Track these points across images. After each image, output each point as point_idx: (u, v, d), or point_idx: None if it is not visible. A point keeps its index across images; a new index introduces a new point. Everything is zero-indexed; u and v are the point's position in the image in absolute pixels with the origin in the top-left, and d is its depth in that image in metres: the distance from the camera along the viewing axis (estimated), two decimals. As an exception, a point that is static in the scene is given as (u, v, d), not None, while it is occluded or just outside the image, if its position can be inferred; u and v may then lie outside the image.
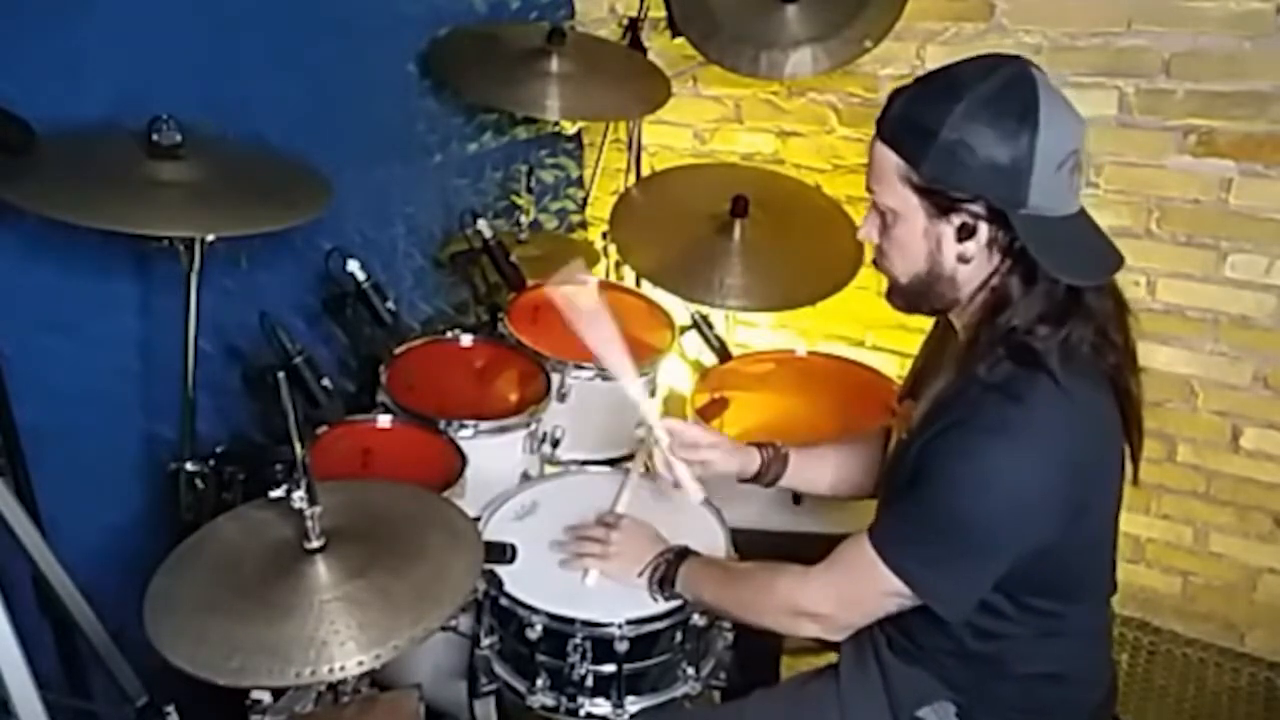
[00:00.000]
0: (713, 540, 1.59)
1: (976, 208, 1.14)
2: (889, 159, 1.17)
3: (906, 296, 1.27)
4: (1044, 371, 1.13)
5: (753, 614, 1.38)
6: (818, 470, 1.61)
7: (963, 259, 1.18)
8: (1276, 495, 2.26)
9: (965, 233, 1.16)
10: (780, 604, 1.34)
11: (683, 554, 1.48)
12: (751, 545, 1.59)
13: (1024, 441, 1.12)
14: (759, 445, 1.59)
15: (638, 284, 2.41)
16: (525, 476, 1.88)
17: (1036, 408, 1.13)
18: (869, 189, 1.23)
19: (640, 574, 1.48)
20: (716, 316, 2.33)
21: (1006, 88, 1.11)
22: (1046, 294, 1.15)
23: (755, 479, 1.58)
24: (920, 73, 1.20)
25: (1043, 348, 1.14)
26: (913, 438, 1.24)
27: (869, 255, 2.26)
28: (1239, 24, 2.01)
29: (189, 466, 1.69)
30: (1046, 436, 1.13)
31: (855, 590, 1.27)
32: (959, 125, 1.10)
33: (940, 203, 1.15)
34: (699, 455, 1.52)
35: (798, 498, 1.78)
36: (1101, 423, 1.20)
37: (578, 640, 1.42)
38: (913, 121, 1.14)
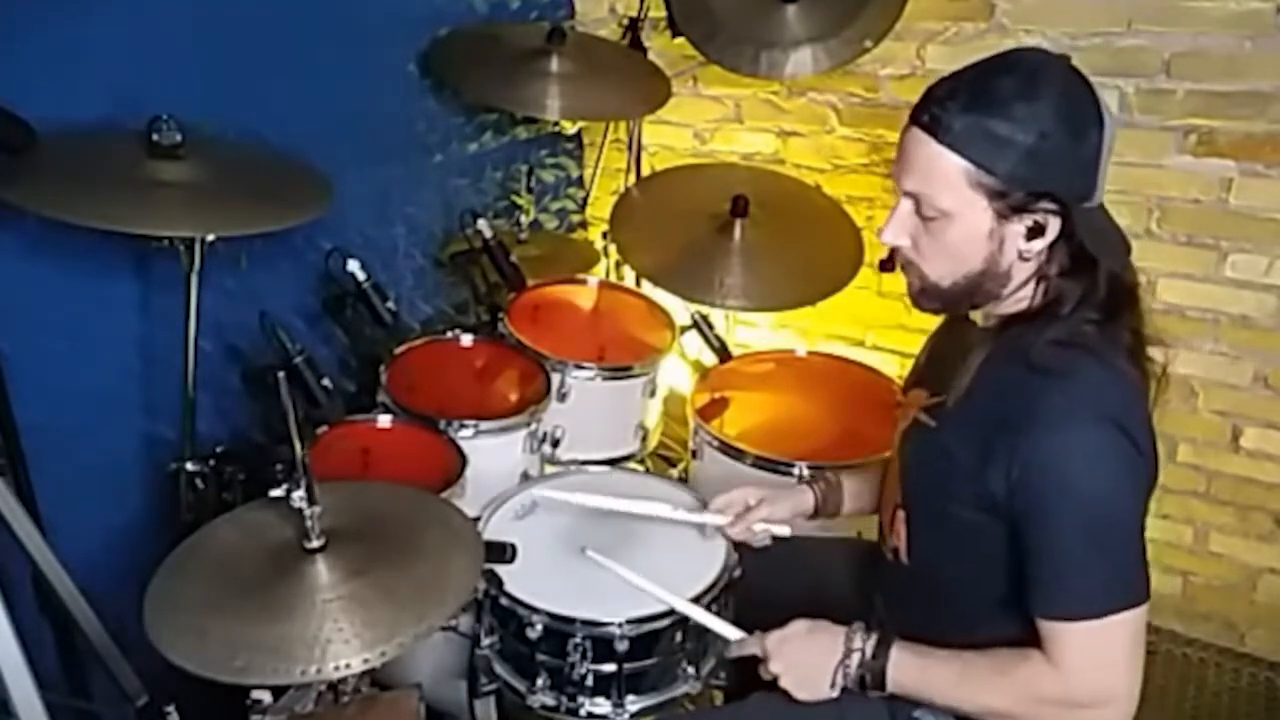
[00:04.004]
0: (711, 552, 1.56)
1: (1050, 205, 1.12)
2: (951, 163, 1.11)
3: (945, 298, 1.22)
4: (1092, 354, 1.13)
5: (999, 712, 1.19)
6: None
7: (1023, 256, 1.16)
8: (1276, 495, 2.26)
9: (1035, 232, 1.13)
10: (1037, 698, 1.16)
11: (881, 647, 1.25)
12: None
13: (1097, 411, 1.10)
14: (810, 481, 1.57)
15: (638, 284, 2.41)
16: (525, 476, 1.88)
17: (1091, 382, 1.12)
18: (907, 192, 1.17)
19: (833, 685, 1.27)
20: (716, 316, 2.33)
21: (1075, 84, 1.10)
22: (1090, 280, 1.15)
23: (815, 515, 1.55)
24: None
25: (1089, 333, 1.13)
26: (947, 431, 1.22)
27: (869, 255, 2.30)
28: (1239, 24, 2.01)
29: (189, 466, 1.69)
30: (1108, 405, 1.11)
31: (1108, 662, 1.13)
32: (1040, 125, 1.07)
33: (1015, 204, 1.12)
34: (757, 515, 1.51)
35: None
36: (1146, 408, 1.18)
37: (578, 639, 1.42)
38: (985, 124, 1.09)
